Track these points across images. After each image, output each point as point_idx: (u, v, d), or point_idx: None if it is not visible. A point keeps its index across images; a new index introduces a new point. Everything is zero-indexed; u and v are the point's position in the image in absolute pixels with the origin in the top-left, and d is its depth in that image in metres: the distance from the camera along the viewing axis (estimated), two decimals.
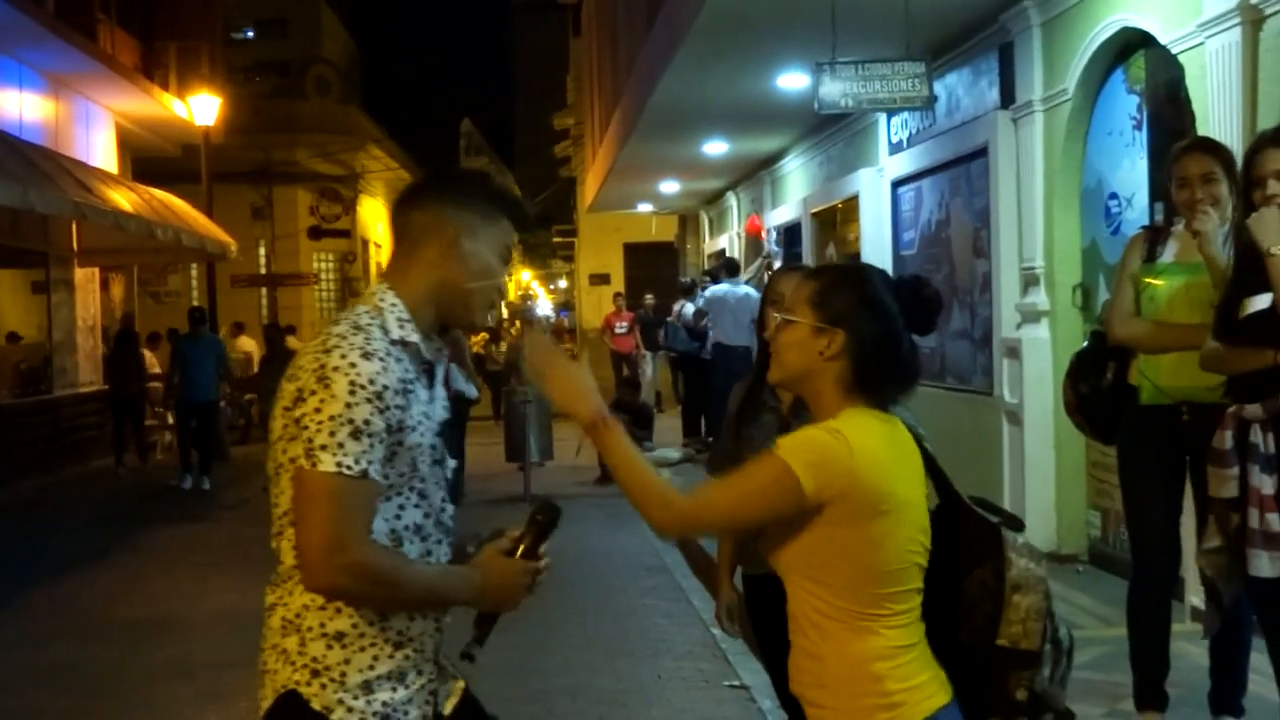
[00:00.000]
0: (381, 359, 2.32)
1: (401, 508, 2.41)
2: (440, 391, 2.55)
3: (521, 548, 2.51)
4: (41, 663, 7.11)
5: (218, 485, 13.86)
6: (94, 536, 11.38)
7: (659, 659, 6.70)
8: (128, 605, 8.54)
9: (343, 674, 2.36)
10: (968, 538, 2.50)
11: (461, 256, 2.46)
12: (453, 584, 2.46)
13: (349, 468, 2.26)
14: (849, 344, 2.45)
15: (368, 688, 2.37)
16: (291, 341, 14.28)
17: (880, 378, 2.47)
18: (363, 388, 2.28)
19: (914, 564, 2.41)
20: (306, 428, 2.28)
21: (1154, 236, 4.83)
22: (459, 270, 2.47)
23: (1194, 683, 5.02)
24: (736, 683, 6.13)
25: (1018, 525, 2.54)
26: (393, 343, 2.39)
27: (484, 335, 22.82)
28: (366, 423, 2.28)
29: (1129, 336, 4.73)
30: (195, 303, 24.61)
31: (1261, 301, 4.07)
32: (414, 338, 2.42)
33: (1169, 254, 4.71)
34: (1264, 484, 4.06)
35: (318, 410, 2.28)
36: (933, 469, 2.51)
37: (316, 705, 2.35)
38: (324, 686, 2.35)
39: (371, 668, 2.37)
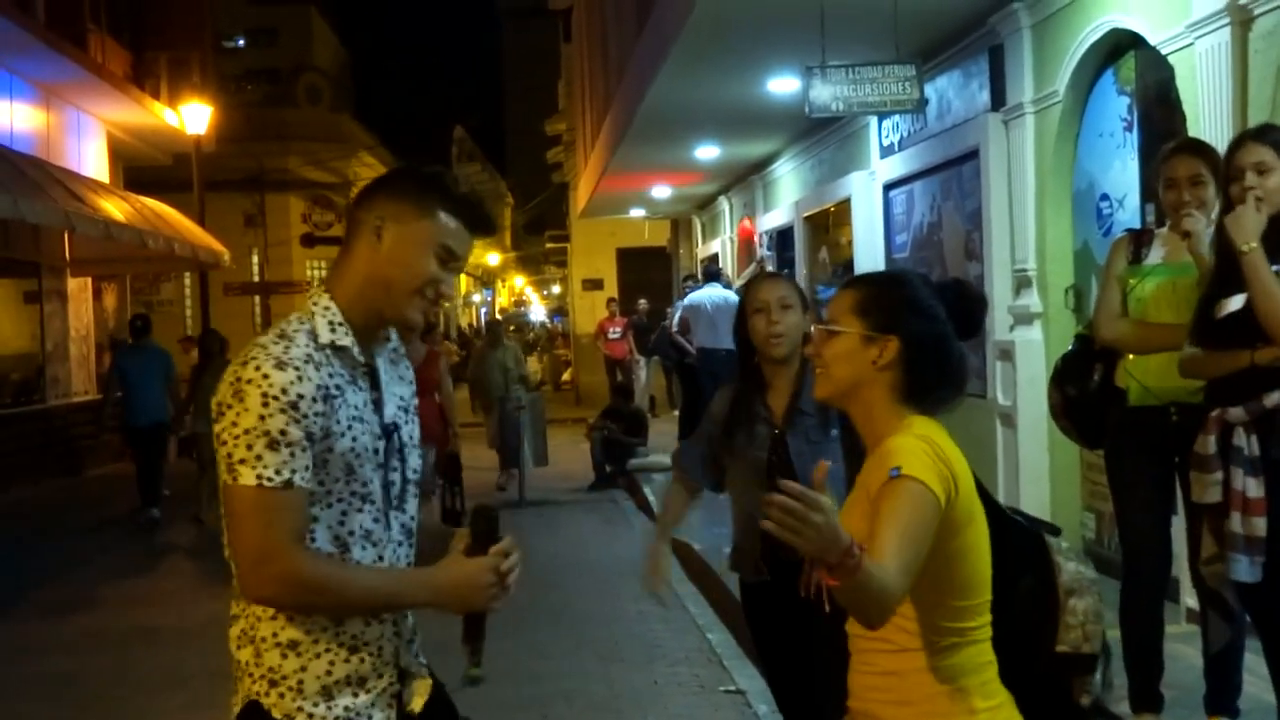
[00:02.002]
0: (297, 368, 2.28)
1: (344, 513, 2.37)
2: (396, 391, 2.50)
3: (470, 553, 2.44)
4: (33, 673, 7.09)
5: (210, 492, 13.67)
6: (86, 546, 11.37)
7: (654, 664, 6.68)
8: (120, 614, 8.52)
9: (300, 682, 2.35)
10: (1011, 548, 2.42)
11: (384, 248, 2.40)
12: (407, 586, 2.42)
13: (269, 479, 2.25)
14: (902, 351, 2.36)
15: (327, 694, 2.36)
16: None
17: (935, 384, 2.39)
18: (275, 399, 2.25)
19: (987, 576, 2.34)
20: (225, 442, 2.28)
21: (1138, 239, 4.84)
22: (379, 261, 2.40)
23: (1189, 684, 5.01)
24: (732, 688, 6.13)
25: (1055, 532, 2.50)
26: (320, 347, 2.35)
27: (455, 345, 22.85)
28: (283, 433, 2.25)
29: (1116, 338, 4.73)
30: (189, 312, 24.63)
31: (1236, 303, 4.08)
32: (345, 341, 2.38)
33: (1155, 255, 4.72)
34: (1248, 487, 4.06)
35: (234, 424, 2.27)
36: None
37: (277, 714, 2.35)
38: (282, 696, 2.35)
39: (329, 673, 2.36)
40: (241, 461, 2.25)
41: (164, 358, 12.70)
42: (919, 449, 2.25)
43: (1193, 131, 6.17)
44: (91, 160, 17.79)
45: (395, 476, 2.46)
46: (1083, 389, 4.87)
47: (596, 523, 11.33)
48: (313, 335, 2.36)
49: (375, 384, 2.45)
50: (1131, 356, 4.70)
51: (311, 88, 33.78)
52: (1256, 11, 5.86)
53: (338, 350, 2.37)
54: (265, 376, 2.27)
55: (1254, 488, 4.06)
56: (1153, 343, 4.61)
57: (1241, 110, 5.93)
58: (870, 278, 2.59)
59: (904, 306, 2.39)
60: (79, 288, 17.99)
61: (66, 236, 16.46)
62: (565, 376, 31.94)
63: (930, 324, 2.39)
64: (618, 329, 22.78)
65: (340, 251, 2.48)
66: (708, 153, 15.36)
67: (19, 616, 8.63)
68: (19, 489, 14.86)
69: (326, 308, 2.41)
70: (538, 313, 62.59)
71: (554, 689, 6.29)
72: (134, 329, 12.86)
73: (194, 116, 18.56)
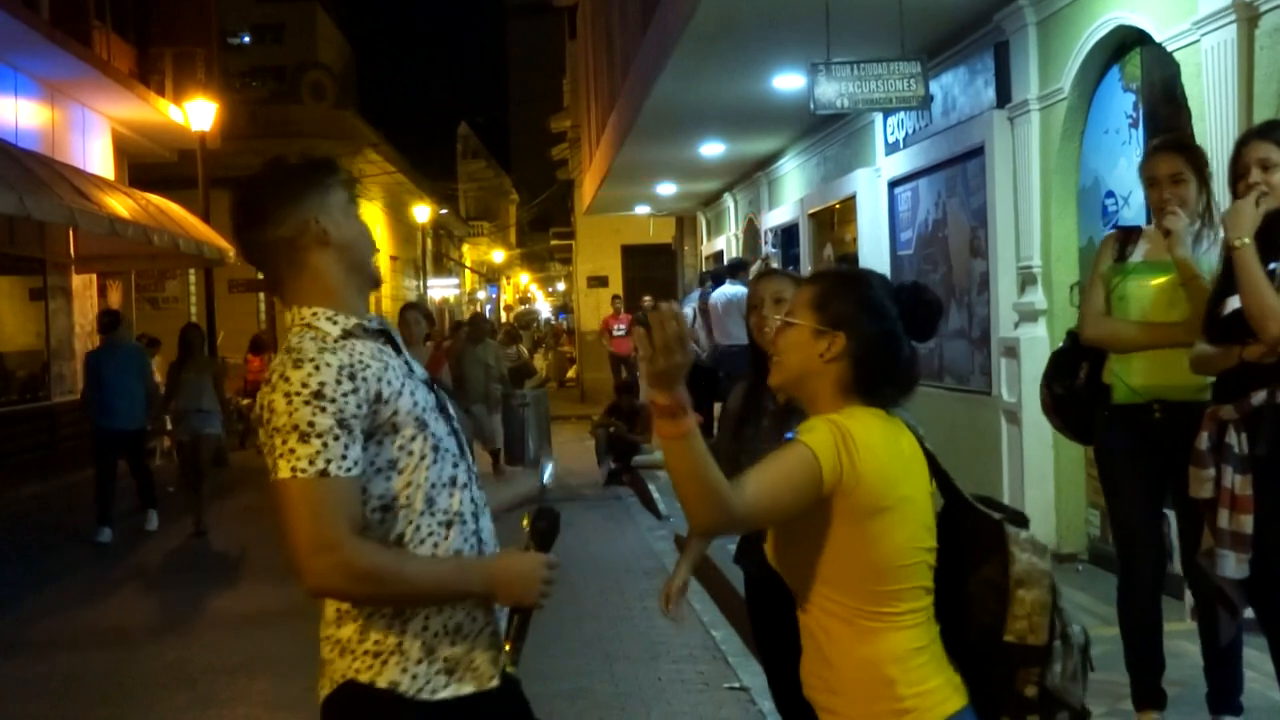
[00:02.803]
0: (311, 359, 2.37)
1: (430, 468, 2.45)
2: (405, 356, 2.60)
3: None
4: (40, 671, 7.10)
5: (215, 491, 13.14)
6: (90, 544, 11.35)
7: (658, 661, 6.69)
8: (125, 612, 8.53)
9: (400, 645, 2.41)
10: (972, 535, 2.49)
11: (335, 237, 2.51)
12: (462, 574, 2.48)
13: (302, 470, 2.30)
14: (849, 347, 2.46)
15: (429, 650, 2.43)
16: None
17: (879, 381, 2.49)
18: (296, 394, 2.33)
19: (920, 562, 2.41)
20: (264, 446, 2.38)
21: (1125, 237, 4.83)
22: (342, 249, 2.52)
23: (1193, 680, 5.00)
24: (736, 685, 6.13)
25: (1022, 521, 2.53)
26: (339, 338, 2.43)
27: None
28: (310, 424, 2.31)
29: (1099, 336, 4.72)
30: (193, 309, 24.59)
31: (1239, 300, 4.08)
32: (353, 321, 2.47)
33: (1139, 253, 4.71)
34: (1236, 484, 4.06)
35: (271, 434, 2.35)
36: (935, 469, 2.51)
37: (381, 683, 2.40)
38: (385, 664, 2.41)
39: (425, 628, 2.43)
40: (280, 457, 2.33)
41: (139, 355, 11.95)
42: (823, 426, 2.39)
43: (1198, 128, 6.17)
44: (96, 157, 17.81)
45: (455, 425, 2.58)
46: (1069, 387, 4.87)
47: (600, 519, 11.33)
48: (318, 338, 2.43)
49: (398, 350, 2.54)
50: (1115, 355, 4.70)
51: (316, 84, 33.78)
52: (1263, 8, 5.86)
53: (350, 335, 2.44)
54: (285, 379, 2.35)
55: (1241, 485, 4.07)
56: (1135, 341, 4.60)
57: (1247, 107, 5.93)
58: (829, 275, 2.71)
59: (856, 305, 2.50)
60: (84, 284, 18.00)
61: (71, 233, 16.47)
62: (570, 373, 31.97)
63: (880, 324, 2.49)
64: (622, 326, 22.81)
65: (287, 273, 2.53)
66: (713, 150, 15.36)
67: (23, 614, 8.64)
68: (25, 486, 14.87)
69: (314, 312, 2.48)
70: (542, 309, 62.65)
71: (557, 687, 6.29)
72: (103, 325, 11.94)
73: (199, 113, 18.58)
